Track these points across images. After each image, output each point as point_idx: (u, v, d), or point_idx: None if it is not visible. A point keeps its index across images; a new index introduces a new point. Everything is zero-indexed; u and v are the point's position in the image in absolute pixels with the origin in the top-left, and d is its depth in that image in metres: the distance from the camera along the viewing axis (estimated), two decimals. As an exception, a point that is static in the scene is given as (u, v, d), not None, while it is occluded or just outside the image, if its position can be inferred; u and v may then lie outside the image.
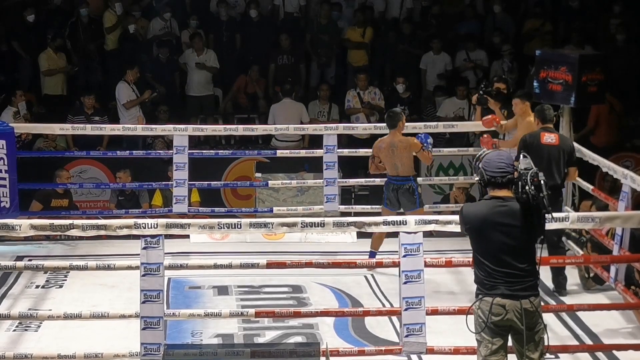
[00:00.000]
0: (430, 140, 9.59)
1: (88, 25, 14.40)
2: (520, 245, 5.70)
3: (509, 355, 5.82)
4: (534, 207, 5.67)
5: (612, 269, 8.45)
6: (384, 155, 9.56)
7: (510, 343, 5.82)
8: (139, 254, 6.94)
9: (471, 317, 5.88)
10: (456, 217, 7.05)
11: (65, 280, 9.35)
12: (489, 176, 5.75)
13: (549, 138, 8.92)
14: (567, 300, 8.55)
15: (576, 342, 7.76)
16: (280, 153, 11.43)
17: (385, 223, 7.09)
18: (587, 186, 9.54)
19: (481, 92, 10.38)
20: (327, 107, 13.72)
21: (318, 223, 7.06)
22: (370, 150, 9.77)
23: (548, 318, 5.87)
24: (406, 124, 9.72)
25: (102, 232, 7.01)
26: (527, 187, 5.65)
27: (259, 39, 14.51)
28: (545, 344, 5.80)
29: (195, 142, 12.80)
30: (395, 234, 7.17)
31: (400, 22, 15.03)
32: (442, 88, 14.14)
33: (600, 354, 7.54)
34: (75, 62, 14.21)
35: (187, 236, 10.27)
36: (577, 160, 9.22)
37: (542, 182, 5.67)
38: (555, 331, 7.79)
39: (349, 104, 13.61)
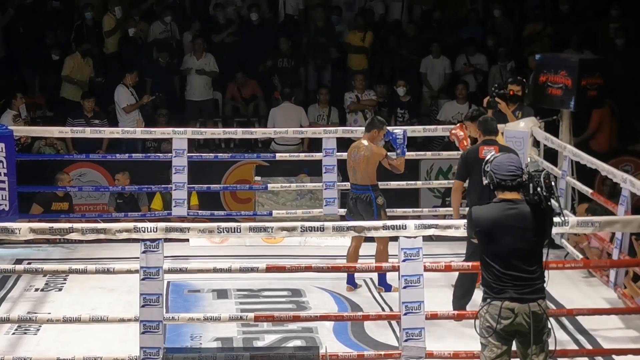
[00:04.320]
0: (399, 140, 9.07)
1: (93, 29, 14.43)
2: (530, 248, 5.69)
3: (512, 359, 5.81)
4: (544, 209, 5.66)
5: (612, 273, 8.45)
6: (347, 157, 9.35)
7: (514, 347, 5.81)
8: (138, 258, 6.93)
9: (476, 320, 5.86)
10: (456, 222, 7.07)
11: (65, 283, 9.34)
12: (498, 179, 5.74)
13: (488, 152, 8.17)
14: (567, 304, 8.54)
15: (575, 347, 7.75)
16: (279, 156, 11.44)
17: (385, 227, 7.09)
18: (586, 190, 9.54)
19: (494, 94, 10.23)
20: (326, 110, 13.74)
21: (317, 227, 7.05)
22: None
23: (547, 322, 5.85)
24: (405, 127, 9.64)
25: (102, 236, 7.00)
26: (539, 189, 5.64)
27: (259, 42, 14.52)
28: (551, 347, 5.79)
29: (195, 145, 12.81)
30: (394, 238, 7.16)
31: (401, 26, 15.05)
32: (445, 90, 14.15)
33: (599, 359, 7.54)
34: (99, 70, 14.22)
35: (187, 240, 10.27)
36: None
37: (553, 184, 5.67)
38: (555, 335, 7.77)
39: (351, 100, 13.68)
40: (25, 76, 14.34)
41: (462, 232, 6.91)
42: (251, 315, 7.36)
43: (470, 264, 7.43)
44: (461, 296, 8.32)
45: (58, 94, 14.03)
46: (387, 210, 9.38)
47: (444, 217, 10.94)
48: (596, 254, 9.04)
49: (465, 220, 6.00)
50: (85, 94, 13.35)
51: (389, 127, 9.32)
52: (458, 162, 8.66)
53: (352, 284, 9.26)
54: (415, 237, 6.99)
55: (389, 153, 9.34)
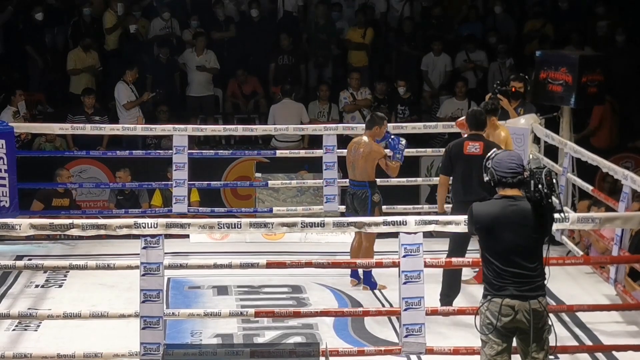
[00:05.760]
0: (401, 145, 9.03)
1: (90, 25, 14.43)
2: (530, 245, 5.68)
3: (512, 355, 5.81)
4: (545, 206, 5.66)
5: (612, 269, 8.45)
6: (347, 153, 9.30)
7: (514, 343, 5.81)
8: (138, 254, 6.94)
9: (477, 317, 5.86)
10: (456, 217, 7.07)
11: (65, 279, 9.36)
12: (499, 176, 5.74)
13: (473, 147, 8.37)
14: (567, 300, 8.54)
15: (576, 343, 7.76)
16: (280, 153, 11.43)
17: (386, 223, 7.09)
18: (587, 187, 9.54)
19: (496, 91, 10.19)
20: (327, 107, 13.74)
21: (318, 223, 7.05)
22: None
23: (547, 318, 5.84)
24: (406, 124, 9.63)
25: (102, 232, 7.00)
26: (540, 186, 5.64)
27: (260, 38, 14.52)
28: (551, 344, 5.79)
29: (196, 142, 12.82)
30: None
31: (401, 23, 15.05)
32: (447, 87, 14.16)
33: (599, 355, 7.54)
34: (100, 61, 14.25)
35: (187, 236, 10.28)
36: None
37: (554, 181, 5.66)
38: (555, 332, 7.77)
39: (345, 102, 13.67)
40: (24, 72, 14.33)
41: (463, 228, 6.92)
42: (251, 311, 7.37)
43: (470, 259, 7.43)
44: (446, 294, 8.33)
45: (62, 91, 14.03)
46: (387, 207, 9.40)
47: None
48: (603, 249, 8.99)
49: (466, 216, 6.00)
50: (86, 91, 13.35)
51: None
52: (442, 156, 8.67)
53: (356, 277, 9.26)
54: (415, 233, 7.00)
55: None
